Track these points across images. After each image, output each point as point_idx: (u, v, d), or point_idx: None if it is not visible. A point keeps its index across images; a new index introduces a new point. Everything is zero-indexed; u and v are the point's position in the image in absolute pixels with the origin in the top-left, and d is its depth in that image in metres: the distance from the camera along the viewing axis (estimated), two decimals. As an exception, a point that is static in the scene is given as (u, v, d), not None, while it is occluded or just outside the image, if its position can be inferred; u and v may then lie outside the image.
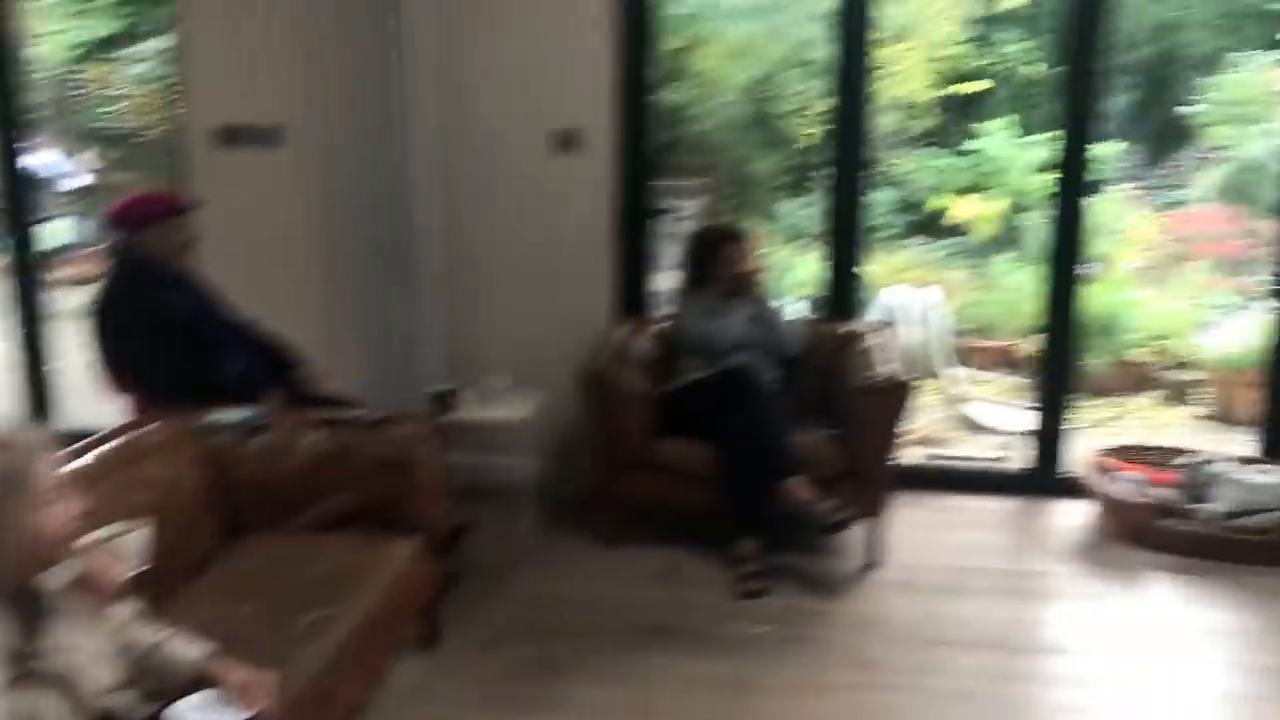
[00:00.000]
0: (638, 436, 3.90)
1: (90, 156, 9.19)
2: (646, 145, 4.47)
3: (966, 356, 6.24)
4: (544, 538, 4.10)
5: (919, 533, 4.09)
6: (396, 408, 4.35)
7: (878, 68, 4.43)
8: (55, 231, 8.12)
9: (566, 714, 2.96)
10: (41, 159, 8.98)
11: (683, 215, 5.33)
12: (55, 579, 1.90)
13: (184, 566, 2.87)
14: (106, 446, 2.90)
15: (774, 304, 4.23)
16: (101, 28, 9.22)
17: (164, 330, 3.32)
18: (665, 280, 4.61)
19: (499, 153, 4.37)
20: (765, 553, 3.75)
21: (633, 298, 4.57)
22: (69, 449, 2.90)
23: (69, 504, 1.87)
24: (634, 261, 4.55)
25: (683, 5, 6.85)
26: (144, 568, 1.95)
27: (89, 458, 2.82)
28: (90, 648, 1.82)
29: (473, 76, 4.30)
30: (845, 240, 4.47)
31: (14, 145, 4.84)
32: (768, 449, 3.72)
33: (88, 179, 8.78)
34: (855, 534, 3.79)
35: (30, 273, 4.89)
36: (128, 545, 1.92)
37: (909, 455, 4.54)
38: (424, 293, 4.37)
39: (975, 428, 5.56)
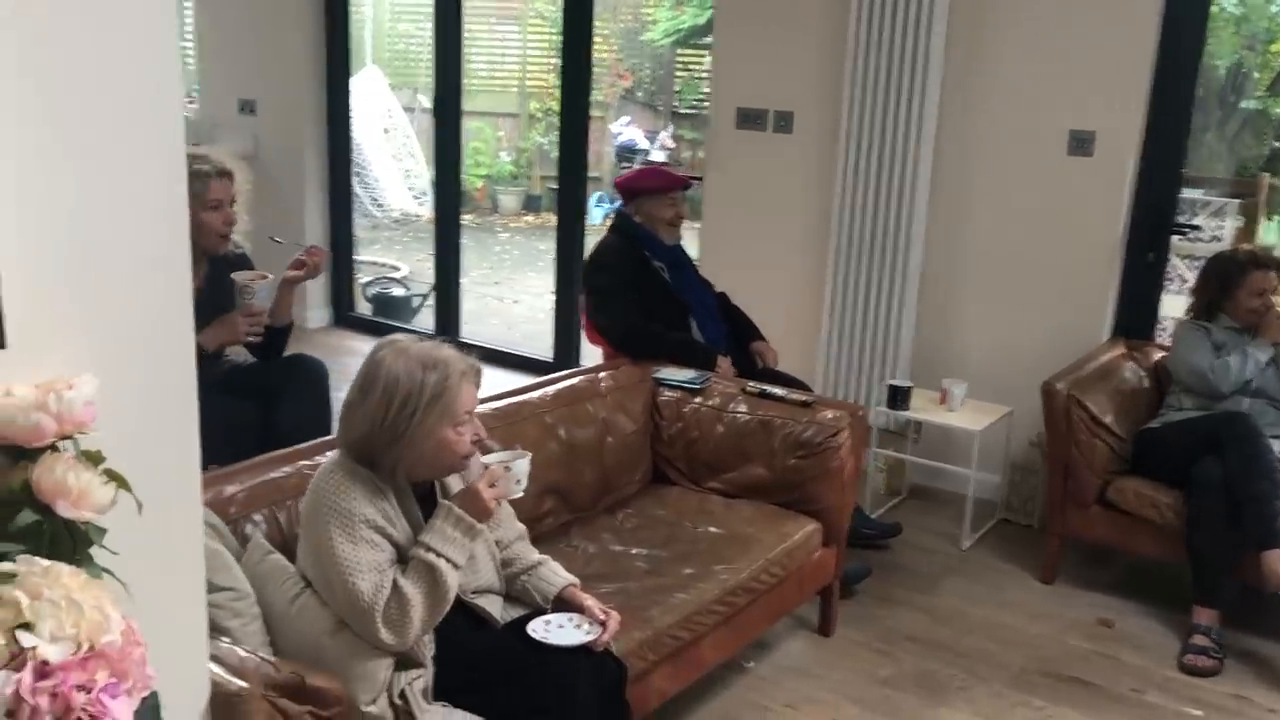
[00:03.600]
0: (1098, 469, 3.55)
1: (668, 133, 10.15)
2: (1177, 154, 4.00)
3: None
4: (979, 554, 3.90)
5: None
6: (849, 395, 4.41)
7: None
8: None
9: (935, 737, 2.83)
10: (629, 133, 10.14)
11: (1214, 236, 4.69)
12: (452, 485, 2.22)
13: (608, 503, 3.17)
14: (566, 383, 3.28)
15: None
16: (695, 17, 10.12)
17: (636, 291, 3.64)
18: (1178, 304, 4.12)
19: (1002, 150, 4.16)
20: (1224, 627, 3.26)
21: (1136, 319, 4.14)
22: (544, 377, 3.35)
23: (475, 427, 2.17)
24: (1144, 279, 4.12)
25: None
26: (522, 493, 2.18)
27: (550, 389, 3.21)
28: (467, 551, 2.08)
29: (987, 68, 4.13)
30: None
31: (583, 120, 5.47)
32: (1250, 510, 3.21)
33: (665, 153, 9.73)
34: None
35: (575, 232, 5.54)
36: (516, 470, 2.16)
37: None
38: (906, 286, 4.32)
39: None
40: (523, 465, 2.18)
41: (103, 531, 1.25)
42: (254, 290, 3.00)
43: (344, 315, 6.36)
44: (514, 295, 8.05)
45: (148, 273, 1.36)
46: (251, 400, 3.05)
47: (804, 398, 3.28)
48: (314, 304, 6.26)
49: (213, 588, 1.96)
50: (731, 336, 3.87)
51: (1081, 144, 4.02)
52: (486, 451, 2.24)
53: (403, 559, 2.07)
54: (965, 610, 3.50)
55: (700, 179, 4.85)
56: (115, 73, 1.23)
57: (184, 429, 1.47)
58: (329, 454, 2.17)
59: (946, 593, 3.61)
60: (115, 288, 1.31)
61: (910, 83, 4.16)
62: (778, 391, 3.32)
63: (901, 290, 4.33)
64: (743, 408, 3.29)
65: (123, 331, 1.35)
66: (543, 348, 6.03)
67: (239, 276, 3.02)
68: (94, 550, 1.26)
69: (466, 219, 10.91)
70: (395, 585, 2.00)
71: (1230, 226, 4.69)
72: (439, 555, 2.03)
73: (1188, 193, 6.34)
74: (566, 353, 5.59)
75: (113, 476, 1.25)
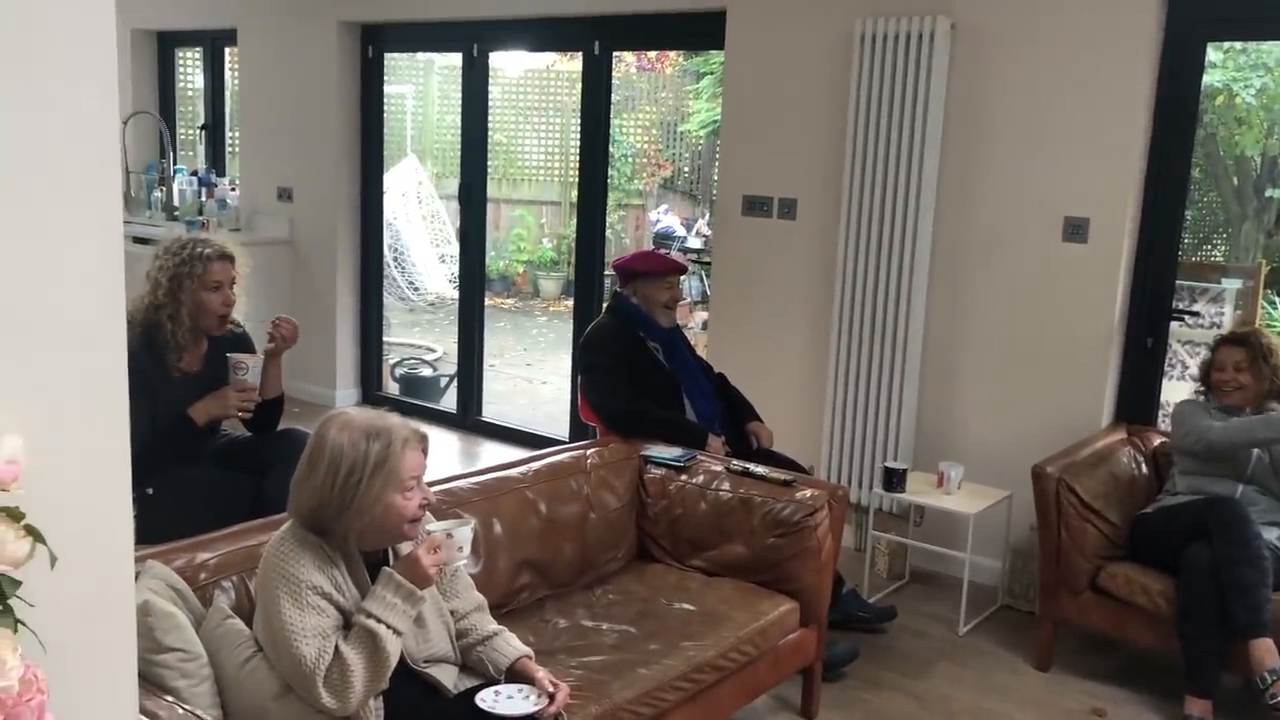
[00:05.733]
0: (1089, 554, 3.52)
1: (705, 221, 10.32)
2: (1172, 239, 4.03)
3: None
4: (976, 640, 3.86)
5: None
6: (851, 477, 4.43)
7: None
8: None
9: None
10: (667, 220, 10.33)
11: (1214, 322, 4.66)
12: (397, 553, 2.28)
13: (588, 579, 3.21)
14: (552, 459, 3.35)
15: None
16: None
17: (629, 370, 3.72)
18: (1179, 390, 4.11)
19: (998, 237, 4.22)
20: (1219, 717, 3.19)
21: (1136, 404, 4.13)
22: (533, 453, 3.42)
23: (423, 492, 2.24)
24: (1143, 365, 4.12)
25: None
26: (466, 560, 2.24)
27: (534, 465, 3.29)
28: (409, 617, 2.14)
29: (981, 156, 4.21)
30: None
31: (600, 210, 5.63)
32: (1234, 597, 3.16)
33: (701, 239, 9.87)
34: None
35: (592, 316, 5.65)
36: (458, 538, 2.22)
37: None
38: (907, 369, 4.35)
39: None
40: (465, 533, 2.24)
41: (16, 584, 1.34)
42: (246, 367, 3.15)
43: (372, 394, 6.52)
44: (544, 376, 8.18)
45: (80, 339, 1.45)
46: (243, 471, 3.16)
47: (785, 476, 3.31)
48: (343, 384, 6.43)
49: (162, 648, 2.05)
50: (728, 417, 3.93)
51: (1076, 230, 4.06)
52: (441, 517, 2.32)
53: (351, 625, 2.13)
54: (953, 696, 3.46)
55: (709, 263, 4.95)
56: (54, 146, 1.34)
57: (115, 488, 1.55)
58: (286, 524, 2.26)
59: (937, 678, 3.57)
60: (46, 353, 1.41)
61: (908, 170, 4.25)
62: (759, 470, 3.35)
63: (902, 373, 4.36)
64: (725, 486, 3.33)
65: (53, 395, 1.45)
66: (562, 427, 6.12)
67: (233, 355, 3.18)
68: (14, 601, 1.35)
69: (507, 303, 11.17)
70: (337, 651, 2.06)
71: (1229, 312, 4.67)
72: (379, 621, 2.09)
73: (1227, 283, 6.29)
74: (581, 431, 5.67)
75: (30, 531, 1.34)
